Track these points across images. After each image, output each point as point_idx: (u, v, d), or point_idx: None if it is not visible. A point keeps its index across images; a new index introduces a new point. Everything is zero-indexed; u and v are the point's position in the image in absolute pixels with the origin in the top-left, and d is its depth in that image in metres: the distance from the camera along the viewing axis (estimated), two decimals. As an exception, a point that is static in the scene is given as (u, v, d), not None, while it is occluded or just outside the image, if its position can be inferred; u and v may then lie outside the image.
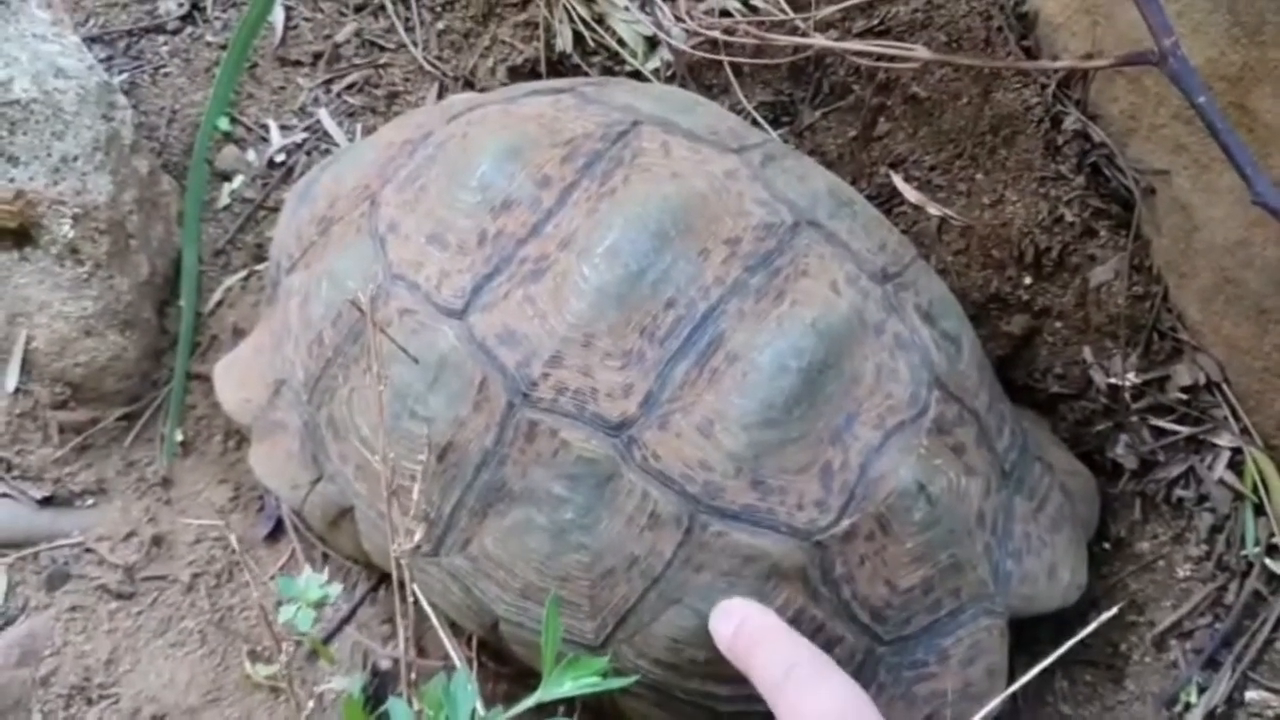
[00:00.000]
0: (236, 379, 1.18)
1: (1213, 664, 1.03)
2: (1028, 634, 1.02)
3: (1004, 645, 0.98)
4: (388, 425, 0.93)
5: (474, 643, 1.10)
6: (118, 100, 1.29)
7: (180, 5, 1.49)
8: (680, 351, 0.90)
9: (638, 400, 0.89)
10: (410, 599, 0.81)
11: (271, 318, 1.16)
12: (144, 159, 1.31)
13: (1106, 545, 1.13)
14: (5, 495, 1.22)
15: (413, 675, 0.80)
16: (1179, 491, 1.08)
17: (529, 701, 0.81)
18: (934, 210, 1.16)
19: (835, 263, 0.95)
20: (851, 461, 0.90)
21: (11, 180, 1.16)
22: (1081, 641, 1.08)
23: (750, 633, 0.84)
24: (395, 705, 0.85)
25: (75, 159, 1.20)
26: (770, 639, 0.83)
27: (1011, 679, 0.96)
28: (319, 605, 0.78)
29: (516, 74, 1.37)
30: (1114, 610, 0.82)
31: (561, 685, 0.81)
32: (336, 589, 0.79)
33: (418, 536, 0.81)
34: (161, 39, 1.47)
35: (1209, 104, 0.86)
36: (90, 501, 1.24)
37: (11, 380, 1.22)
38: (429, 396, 0.94)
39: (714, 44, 1.25)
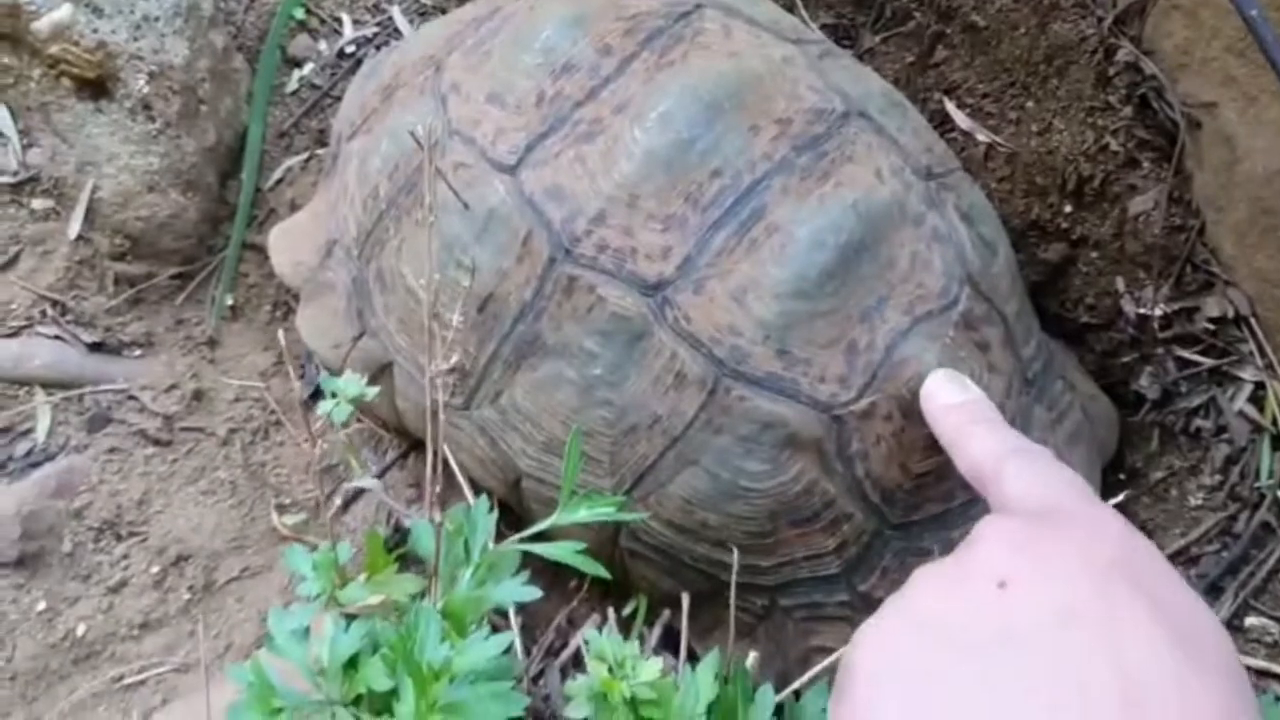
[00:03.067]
0: (290, 244, 1.22)
1: (1215, 590, 1.04)
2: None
3: (1011, 545, 1.00)
4: (436, 270, 0.96)
5: (495, 508, 1.13)
6: (213, -27, 1.34)
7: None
8: (721, 220, 0.92)
9: (675, 263, 0.92)
10: (441, 428, 0.83)
11: (329, 187, 1.20)
12: (220, 35, 1.35)
13: (1122, 476, 1.14)
14: (57, 337, 1.26)
15: (437, 488, 0.83)
16: (1198, 422, 1.10)
17: (544, 524, 0.83)
18: (983, 137, 1.18)
19: (881, 153, 0.97)
20: (878, 342, 0.92)
21: (95, 31, 1.20)
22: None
23: (975, 410, 0.83)
24: (418, 525, 0.88)
25: (156, 19, 1.24)
26: (998, 421, 0.81)
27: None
28: (356, 401, 0.82)
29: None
30: (1121, 498, 0.83)
31: (576, 512, 0.83)
32: (374, 390, 0.82)
33: (454, 360, 0.84)
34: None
35: (1261, 19, 0.88)
36: (138, 352, 1.28)
37: (75, 227, 1.26)
38: (475, 247, 0.97)
39: (782, -37, 1.28)
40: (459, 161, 0.99)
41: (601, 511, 0.82)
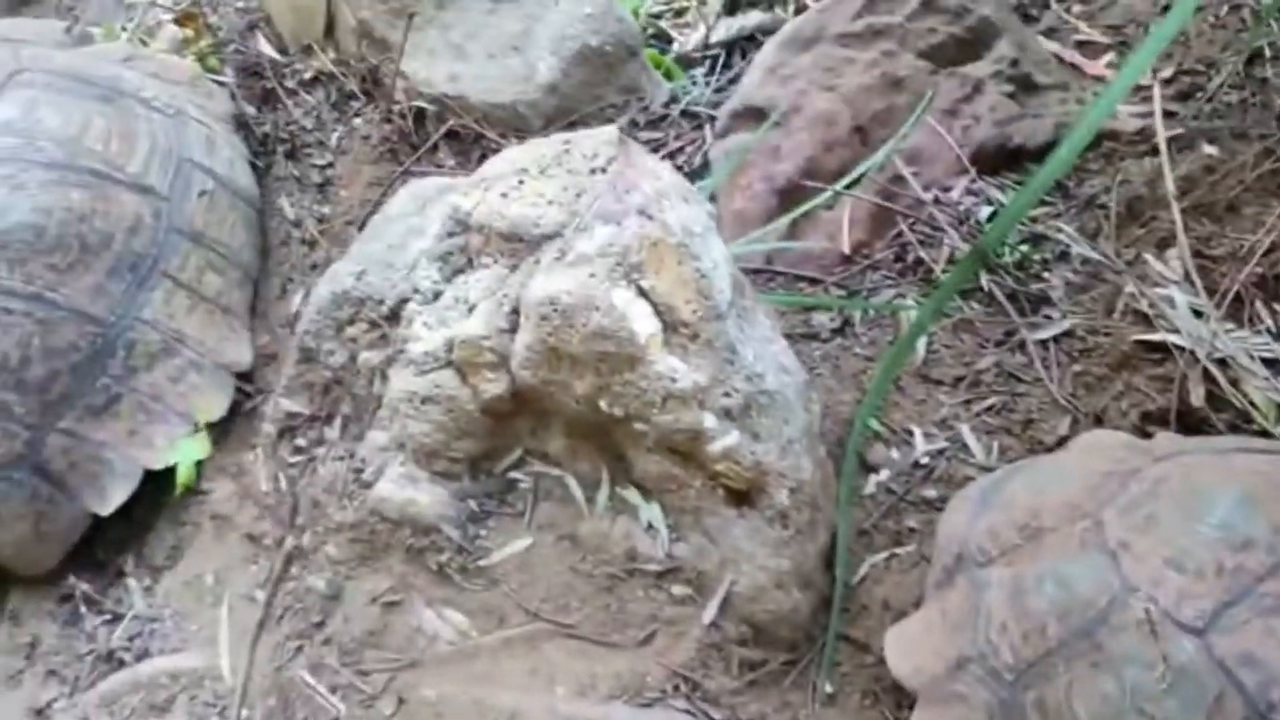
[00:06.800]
0: (907, 648, 1.38)
1: None
2: None
3: None
4: (1111, 717, 1.07)
5: None
6: (813, 395, 1.57)
7: (832, 320, 1.79)
8: None
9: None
10: None
11: (945, 600, 1.36)
12: (821, 446, 1.56)
13: None
14: (688, 712, 1.43)
15: None
16: None
17: None
18: None
19: None
20: None
21: (753, 453, 1.43)
22: None
23: None
24: None
25: (793, 441, 1.46)
26: None
27: None
28: None
29: (1148, 419, 1.56)
30: None
31: None
32: None
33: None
34: (815, 345, 1.77)
35: None
36: (755, 732, 1.44)
37: (710, 614, 1.46)
38: (1164, 700, 1.08)
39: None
40: (1142, 619, 1.12)
41: None
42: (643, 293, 1.38)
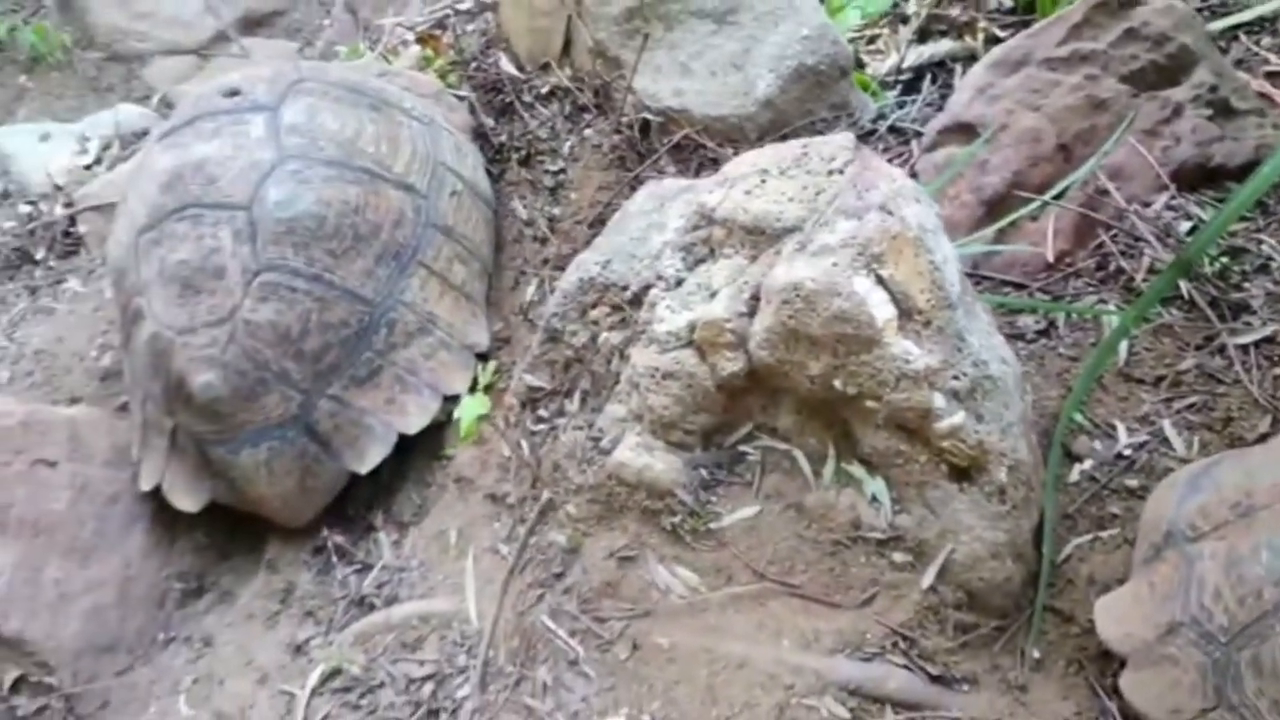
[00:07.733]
0: (1115, 617, 1.49)
1: None
2: None
3: None
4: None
5: None
6: (1027, 386, 1.69)
7: (1037, 322, 1.92)
8: None
9: None
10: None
11: (1153, 573, 1.47)
12: (1032, 432, 1.69)
13: None
14: (905, 667, 1.56)
15: None
16: None
17: None
18: None
19: None
20: None
21: (976, 433, 1.55)
22: None
23: None
24: None
25: (1012, 425, 1.59)
26: None
27: None
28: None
29: (1344, 421, 1.65)
30: None
31: None
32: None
33: None
34: (1020, 345, 1.89)
35: None
36: (965, 688, 1.56)
37: (928, 579, 1.58)
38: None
39: None
40: (1361, 583, 1.22)
41: None
42: (881, 281, 1.53)
